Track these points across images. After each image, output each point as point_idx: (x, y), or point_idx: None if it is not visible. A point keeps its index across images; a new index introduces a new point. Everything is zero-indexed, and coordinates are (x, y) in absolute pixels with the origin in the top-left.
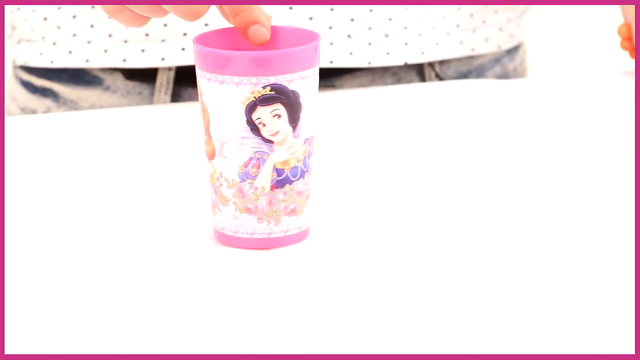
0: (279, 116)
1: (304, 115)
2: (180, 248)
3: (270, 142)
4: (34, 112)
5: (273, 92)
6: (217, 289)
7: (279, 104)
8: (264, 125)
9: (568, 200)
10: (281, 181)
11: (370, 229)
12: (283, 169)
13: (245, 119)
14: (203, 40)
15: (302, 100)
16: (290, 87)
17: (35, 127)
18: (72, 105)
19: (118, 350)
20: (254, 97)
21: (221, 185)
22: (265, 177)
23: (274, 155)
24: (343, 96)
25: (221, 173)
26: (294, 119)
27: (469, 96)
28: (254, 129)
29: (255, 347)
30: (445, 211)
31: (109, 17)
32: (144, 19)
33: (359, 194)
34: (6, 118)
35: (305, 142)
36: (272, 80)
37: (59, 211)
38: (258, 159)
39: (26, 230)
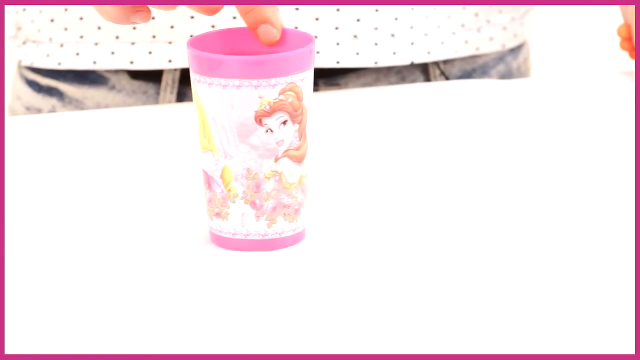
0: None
1: None
2: (178, 248)
3: None
4: (39, 111)
5: None
6: (214, 290)
7: None
8: None
9: (568, 200)
10: None
11: (370, 230)
12: None
13: None
14: (199, 43)
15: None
16: None
17: (40, 127)
18: (78, 105)
19: (117, 350)
20: None
21: (307, 180)
22: None
23: None
24: (346, 96)
25: (307, 166)
26: None
27: (473, 96)
28: None
29: (250, 348)
30: (447, 211)
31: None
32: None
33: (360, 194)
34: (11, 117)
35: None
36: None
37: (63, 211)
38: None
39: (27, 230)
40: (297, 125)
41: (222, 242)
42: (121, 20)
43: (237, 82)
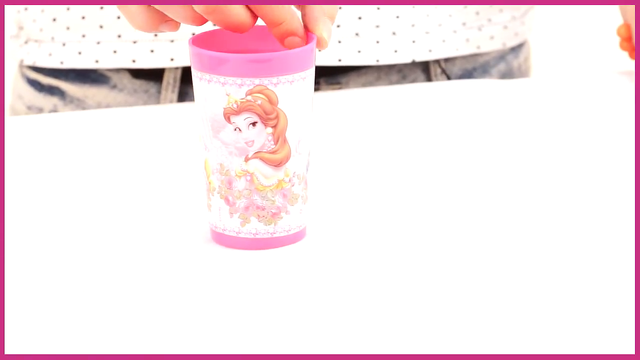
0: None
1: None
2: (179, 247)
3: None
4: (40, 110)
5: None
6: (215, 288)
7: None
8: None
9: (569, 200)
10: None
11: (371, 230)
12: None
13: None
14: (201, 41)
15: None
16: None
17: (41, 127)
18: (79, 104)
19: (117, 350)
20: None
21: (293, 185)
22: None
23: None
24: (347, 95)
25: (294, 172)
26: None
27: (474, 96)
28: None
29: (251, 348)
30: (447, 211)
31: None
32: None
33: (361, 193)
34: (12, 117)
35: None
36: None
37: (64, 210)
38: None
39: (28, 230)
40: (270, 129)
41: (216, 237)
42: (150, 28)
43: (207, 76)
